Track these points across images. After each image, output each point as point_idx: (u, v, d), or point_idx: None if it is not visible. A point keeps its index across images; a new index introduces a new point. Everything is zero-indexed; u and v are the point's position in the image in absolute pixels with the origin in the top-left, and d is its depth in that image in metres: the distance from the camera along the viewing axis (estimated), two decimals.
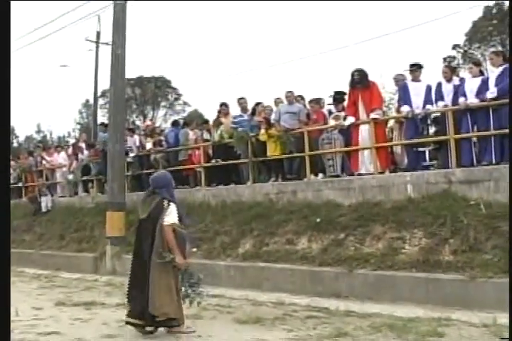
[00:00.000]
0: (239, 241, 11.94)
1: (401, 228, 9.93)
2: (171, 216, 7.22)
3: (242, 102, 14.77)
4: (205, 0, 72.52)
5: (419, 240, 9.54)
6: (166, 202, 7.28)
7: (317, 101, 13.73)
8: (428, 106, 11.13)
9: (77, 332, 7.36)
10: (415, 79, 11.55)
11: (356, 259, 9.81)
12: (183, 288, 7.27)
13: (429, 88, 11.27)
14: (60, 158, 20.86)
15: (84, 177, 19.12)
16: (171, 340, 6.98)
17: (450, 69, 11.61)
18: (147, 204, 7.44)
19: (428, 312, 7.79)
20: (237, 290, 10.42)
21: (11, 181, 22.77)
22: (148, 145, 16.79)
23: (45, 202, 19.52)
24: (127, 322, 7.24)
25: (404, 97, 11.50)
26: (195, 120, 18.28)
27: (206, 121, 16.54)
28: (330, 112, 13.38)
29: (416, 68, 11.60)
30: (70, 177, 19.64)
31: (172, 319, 7.09)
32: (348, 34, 70.79)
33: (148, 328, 7.18)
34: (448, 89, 10.99)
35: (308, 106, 13.76)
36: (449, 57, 41.00)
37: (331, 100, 13.90)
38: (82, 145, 20.41)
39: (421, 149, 11.27)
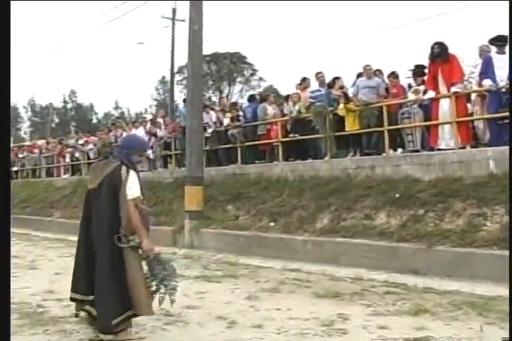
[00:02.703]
0: (316, 216, 11.94)
1: (482, 204, 9.72)
2: (133, 188, 5.59)
3: (319, 76, 14.69)
4: None
5: (501, 217, 9.31)
6: (124, 169, 5.63)
7: (395, 75, 13.54)
8: None
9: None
10: (500, 51, 11.20)
11: (435, 235, 9.67)
12: (153, 282, 5.78)
13: None
14: (139, 133, 21.21)
15: (163, 153, 19.47)
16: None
17: None
18: (99, 170, 5.84)
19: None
20: (314, 265, 10.42)
21: (92, 156, 23.44)
22: (226, 121, 16.91)
23: None
24: None
25: (487, 70, 11.17)
26: (271, 95, 18.24)
27: (287, 96, 16.46)
28: (410, 86, 13.18)
29: (500, 40, 11.24)
30: (150, 152, 19.94)
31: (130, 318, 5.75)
32: (429, 6, 69.09)
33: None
34: None
35: (386, 81, 13.57)
36: None
37: (409, 74, 13.70)
38: (161, 120, 20.74)
39: (505, 121, 10.95)
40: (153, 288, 5.76)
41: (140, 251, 5.65)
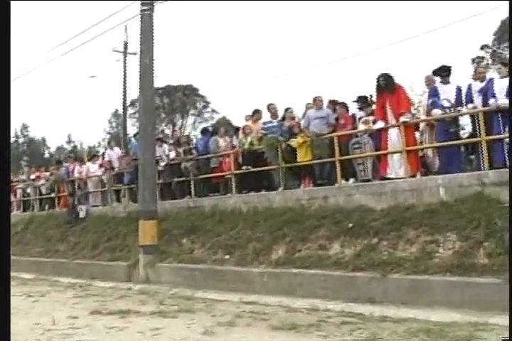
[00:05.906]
0: (271, 248, 11.91)
1: (434, 231, 9.83)
2: None
3: (271, 108, 14.80)
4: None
5: (454, 243, 9.43)
6: None
7: (343, 106, 13.74)
8: (459, 108, 11.06)
9: (112, 340, 7.39)
10: (444, 81, 11.48)
11: (390, 264, 9.72)
12: None
13: (459, 89, 11.21)
14: (93, 167, 21.01)
15: (115, 187, 19.30)
16: None
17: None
18: None
19: (464, 317, 7.68)
20: (270, 297, 10.38)
21: (44, 191, 23.11)
22: (172, 155, 16.89)
23: (84, 210, 19.65)
24: None
25: (434, 100, 11.41)
26: (222, 127, 18.28)
27: (238, 128, 16.50)
28: (354, 116, 13.36)
29: (445, 70, 11.54)
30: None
31: None
32: (376, 37, 70.67)
33: None
34: (477, 91, 10.94)
35: (338, 111, 13.73)
36: (478, 57, 40.55)
37: (356, 104, 13.90)
38: (114, 149, 20.67)
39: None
40: None
41: None
